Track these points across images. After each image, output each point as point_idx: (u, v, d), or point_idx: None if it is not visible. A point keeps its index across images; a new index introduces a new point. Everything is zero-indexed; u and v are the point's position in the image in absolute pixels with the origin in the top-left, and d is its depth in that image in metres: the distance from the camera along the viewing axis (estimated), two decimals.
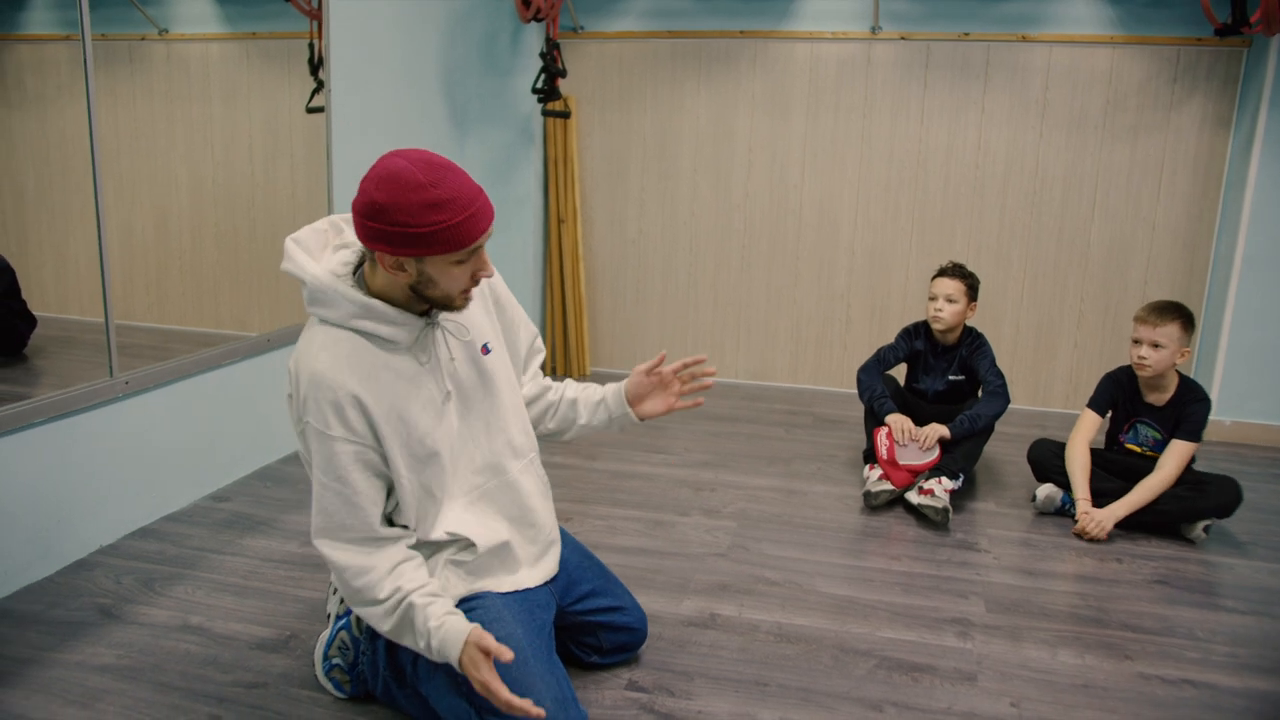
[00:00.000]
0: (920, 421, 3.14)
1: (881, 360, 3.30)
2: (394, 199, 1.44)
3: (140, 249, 2.65)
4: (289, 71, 3.11)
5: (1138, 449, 2.95)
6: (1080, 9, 3.93)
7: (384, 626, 1.61)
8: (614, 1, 4.37)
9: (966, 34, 4.03)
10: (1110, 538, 2.78)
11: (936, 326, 3.22)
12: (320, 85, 3.18)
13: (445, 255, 1.50)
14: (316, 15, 3.11)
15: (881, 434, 3.08)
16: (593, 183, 4.57)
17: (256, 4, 3.00)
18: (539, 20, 4.02)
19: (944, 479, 2.92)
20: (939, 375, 3.31)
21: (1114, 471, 2.95)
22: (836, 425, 3.92)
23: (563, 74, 4.12)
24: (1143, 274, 4.09)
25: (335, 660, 1.85)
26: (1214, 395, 3.80)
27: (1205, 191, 3.96)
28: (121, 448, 2.56)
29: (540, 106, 4.28)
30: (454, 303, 1.60)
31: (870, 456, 3.15)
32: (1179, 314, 2.81)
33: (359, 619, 1.83)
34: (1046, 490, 2.97)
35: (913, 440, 3.02)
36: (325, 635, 1.88)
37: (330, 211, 3.28)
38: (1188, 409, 2.84)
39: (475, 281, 1.58)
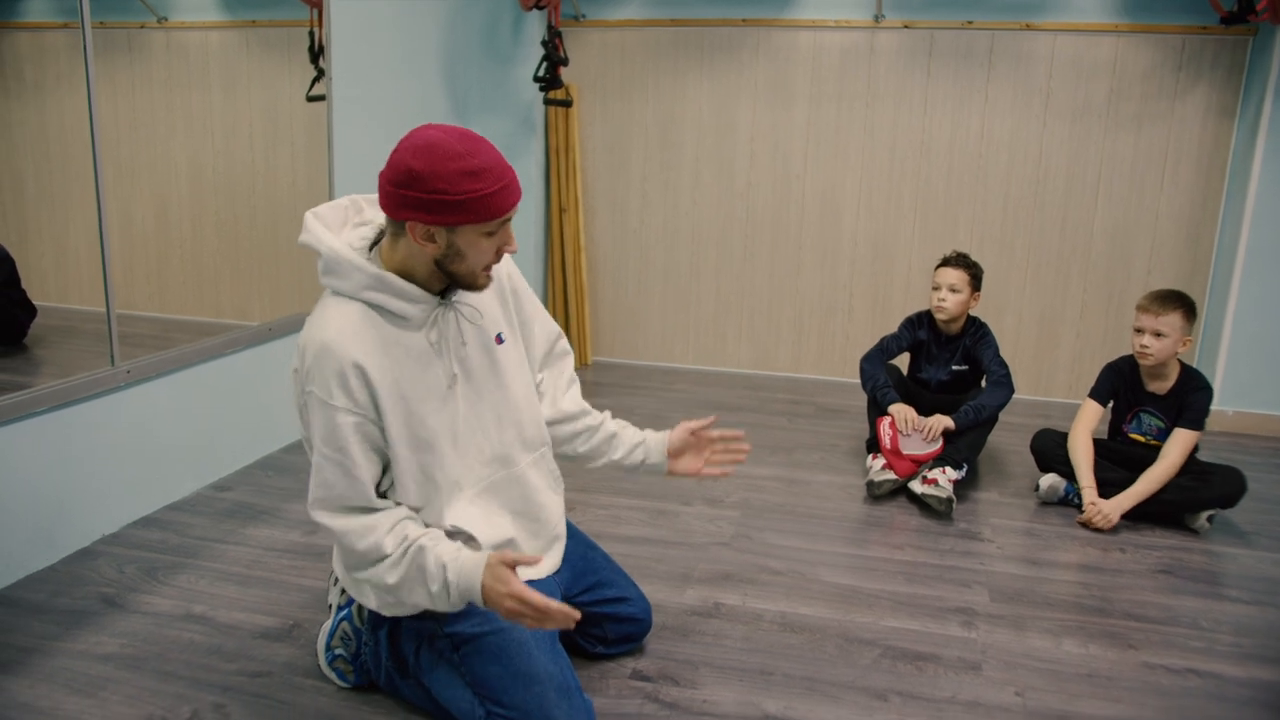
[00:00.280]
0: (923, 411, 3.13)
1: (885, 349, 3.29)
2: (432, 167, 1.46)
3: (140, 238, 2.64)
4: (289, 60, 3.09)
5: (1141, 439, 2.95)
6: None
7: (390, 580, 1.56)
8: None
9: (970, 22, 4.01)
10: (1114, 528, 2.77)
11: (940, 316, 3.21)
12: (321, 73, 3.16)
13: (478, 225, 1.51)
14: (317, 3, 3.10)
15: (885, 424, 3.07)
16: (594, 172, 4.55)
17: None
18: (540, 8, 4.00)
19: (948, 469, 2.92)
20: (942, 365, 3.31)
21: (1117, 461, 2.94)
22: (839, 415, 3.91)
23: (564, 62, 4.09)
24: (1146, 264, 4.08)
25: (338, 651, 1.85)
26: (1217, 385, 3.80)
27: (1209, 181, 3.95)
28: (123, 437, 2.55)
29: (542, 95, 4.25)
30: (476, 279, 1.60)
31: (873, 446, 3.15)
32: (1181, 303, 2.80)
33: (360, 609, 1.83)
34: (1050, 480, 2.97)
35: (915, 430, 3.02)
36: (327, 626, 1.88)
37: (331, 199, 3.27)
38: (1189, 398, 2.83)
39: (499, 257, 1.60)
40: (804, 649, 2.06)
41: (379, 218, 1.68)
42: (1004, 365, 3.14)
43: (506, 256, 1.67)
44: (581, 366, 4.63)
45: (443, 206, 1.48)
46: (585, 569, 1.93)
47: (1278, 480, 3.29)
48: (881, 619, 2.21)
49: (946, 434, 3.01)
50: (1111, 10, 3.89)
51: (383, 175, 1.52)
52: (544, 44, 4.08)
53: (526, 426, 1.81)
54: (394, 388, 1.58)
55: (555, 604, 1.47)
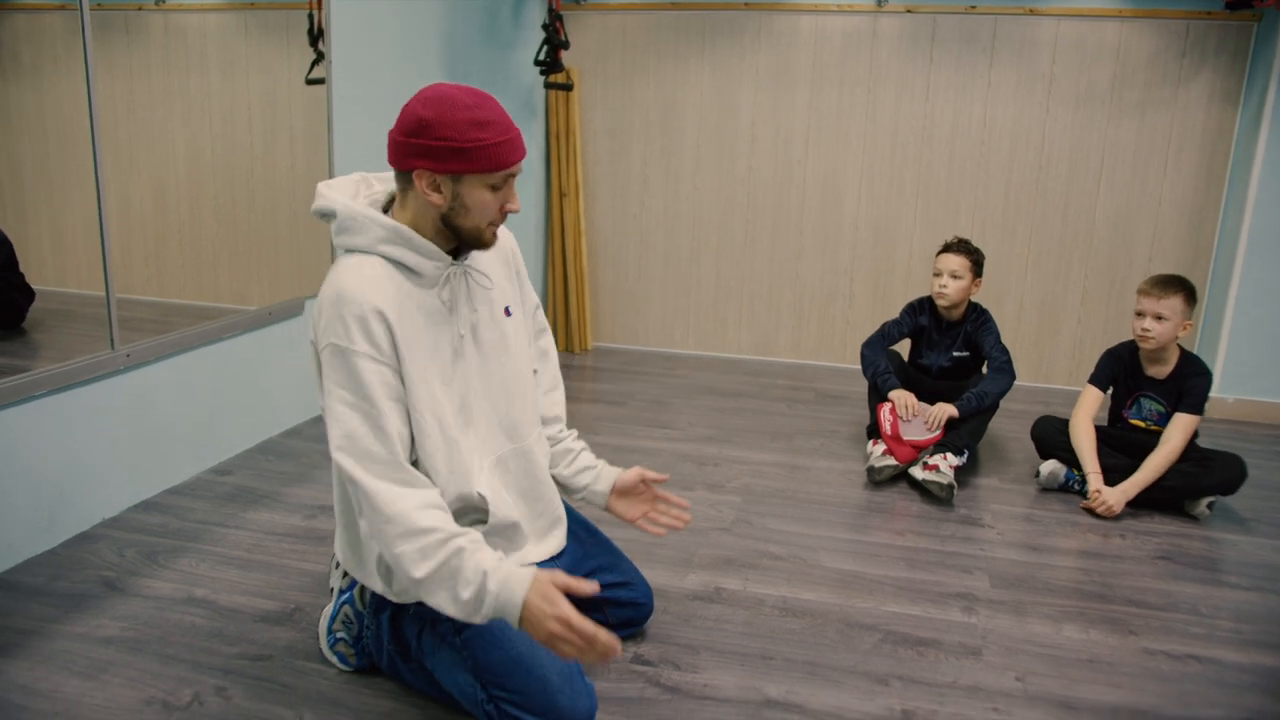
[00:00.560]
0: (923, 397, 3.13)
1: (886, 335, 3.29)
2: (441, 115, 1.50)
3: (139, 222, 2.62)
4: (288, 43, 3.07)
5: (1142, 424, 2.95)
6: None
7: (417, 574, 1.46)
8: None
9: (973, 7, 3.99)
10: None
11: (941, 303, 3.20)
12: (320, 56, 3.14)
13: (482, 175, 1.53)
14: None
15: (885, 409, 3.07)
16: (595, 156, 4.53)
17: None
18: None
19: (949, 455, 2.92)
20: (943, 351, 3.30)
21: (1117, 448, 2.95)
22: (839, 401, 3.91)
23: (565, 46, 4.07)
24: (1148, 250, 4.07)
25: (339, 634, 1.85)
26: (1217, 372, 3.80)
27: (1212, 168, 3.94)
28: (123, 421, 2.54)
29: (542, 79, 4.23)
30: (482, 236, 1.61)
31: (874, 432, 3.15)
32: (1182, 287, 2.81)
33: (362, 591, 1.82)
34: (1050, 466, 2.97)
35: (916, 416, 3.02)
36: (329, 609, 1.88)
37: None
38: (1189, 382, 2.84)
39: (503, 215, 1.61)
40: (805, 634, 2.06)
41: (387, 190, 1.69)
42: (1005, 352, 3.13)
43: (511, 239, 1.66)
44: (582, 352, 4.62)
45: (449, 153, 1.50)
46: (587, 553, 1.93)
47: (1277, 467, 3.29)
48: (882, 604, 2.21)
49: (949, 421, 3.00)
50: None
51: (392, 132, 1.56)
52: (545, 27, 4.05)
53: (530, 402, 1.81)
54: (410, 338, 1.57)
55: (604, 634, 1.41)
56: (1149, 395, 2.93)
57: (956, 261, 3.15)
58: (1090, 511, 2.80)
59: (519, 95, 4.33)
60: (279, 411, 3.20)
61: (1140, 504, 2.82)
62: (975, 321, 3.24)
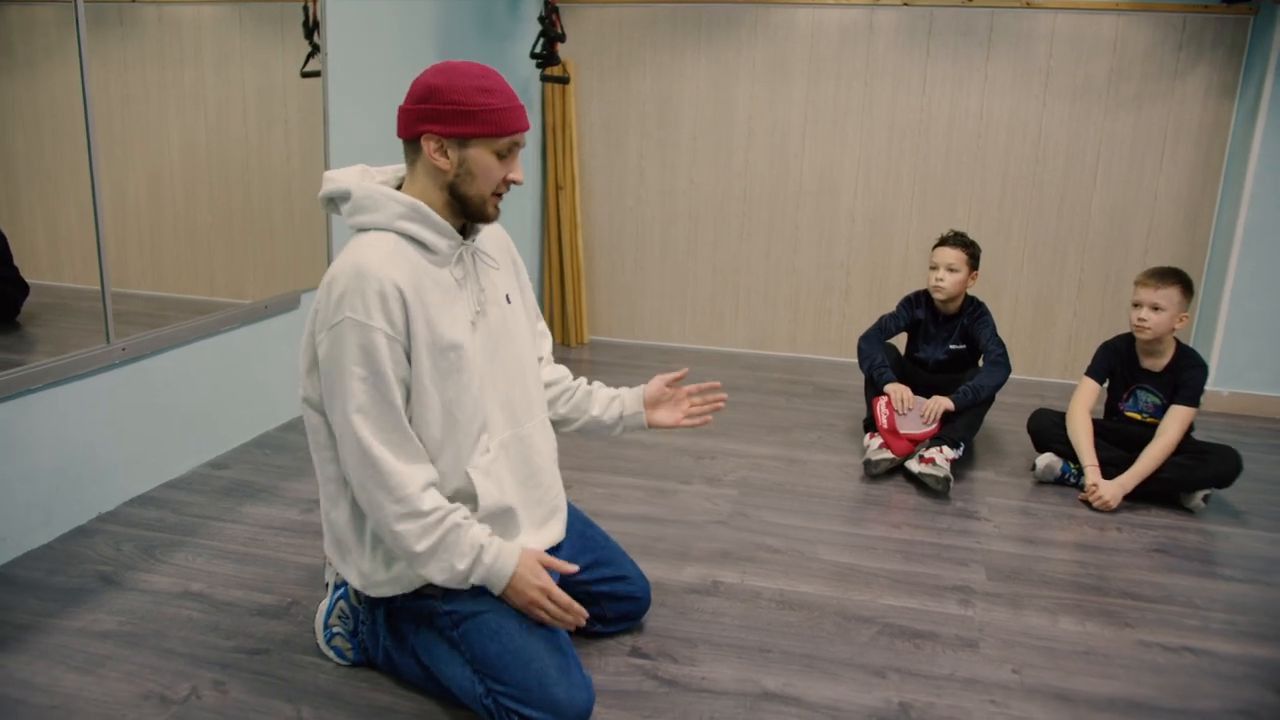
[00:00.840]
0: (920, 391, 3.14)
1: (883, 329, 3.29)
2: (449, 81, 1.57)
3: (133, 215, 2.61)
4: (283, 36, 3.05)
5: (1138, 416, 2.95)
6: None
7: (418, 548, 1.57)
8: None
9: (970, 0, 3.99)
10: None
11: (937, 296, 3.20)
12: (316, 49, 3.13)
13: (489, 140, 1.59)
14: None
15: (881, 403, 3.07)
16: (591, 149, 4.52)
17: None
18: None
19: (945, 448, 2.92)
20: (940, 344, 3.31)
21: (1114, 440, 2.95)
22: (836, 394, 3.91)
23: (562, 38, 4.06)
24: (1144, 243, 4.08)
25: (336, 629, 1.85)
26: (1213, 365, 3.81)
27: (1208, 161, 3.94)
28: (119, 414, 2.54)
29: (539, 72, 4.22)
30: (486, 206, 1.65)
31: (870, 425, 3.15)
32: (1179, 278, 2.82)
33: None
34: (1046, 459, 2.98)
35: (911, 409, 3.02)
36: (325, 604, 1.88)
37: None
38: (1185, 375, 2.84)
39: (506, 186, 1.66)
40: (802, 627, 2.07)
41: (393, 176, 1.72)
42: (1001, 345, 3.13)
43: (508, 237, 1.66)
44: (578, 345, 4.62)
45: (457, 116, 1.56)
46: (584, 547, 1.93)
47: (1273, 460, 3.30)
48: (879, 597, 2.22)
49: (945, 414, 3.01)
50: None
51: (401, 108, 1.62)
52: (541, 20, 4.04)
53: (532, 388, 1.82)
54: (423, 315, 1.59)
55: (577, 606, 1.63)
56: (1145, 388, 2.93)
57: (953, 255, 3.15)
58: (1087, 504, 2.80)
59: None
60: (276, 405, 3.20)
61: (1136, 497, 2.83)
62: (972, 315, 3.24)
